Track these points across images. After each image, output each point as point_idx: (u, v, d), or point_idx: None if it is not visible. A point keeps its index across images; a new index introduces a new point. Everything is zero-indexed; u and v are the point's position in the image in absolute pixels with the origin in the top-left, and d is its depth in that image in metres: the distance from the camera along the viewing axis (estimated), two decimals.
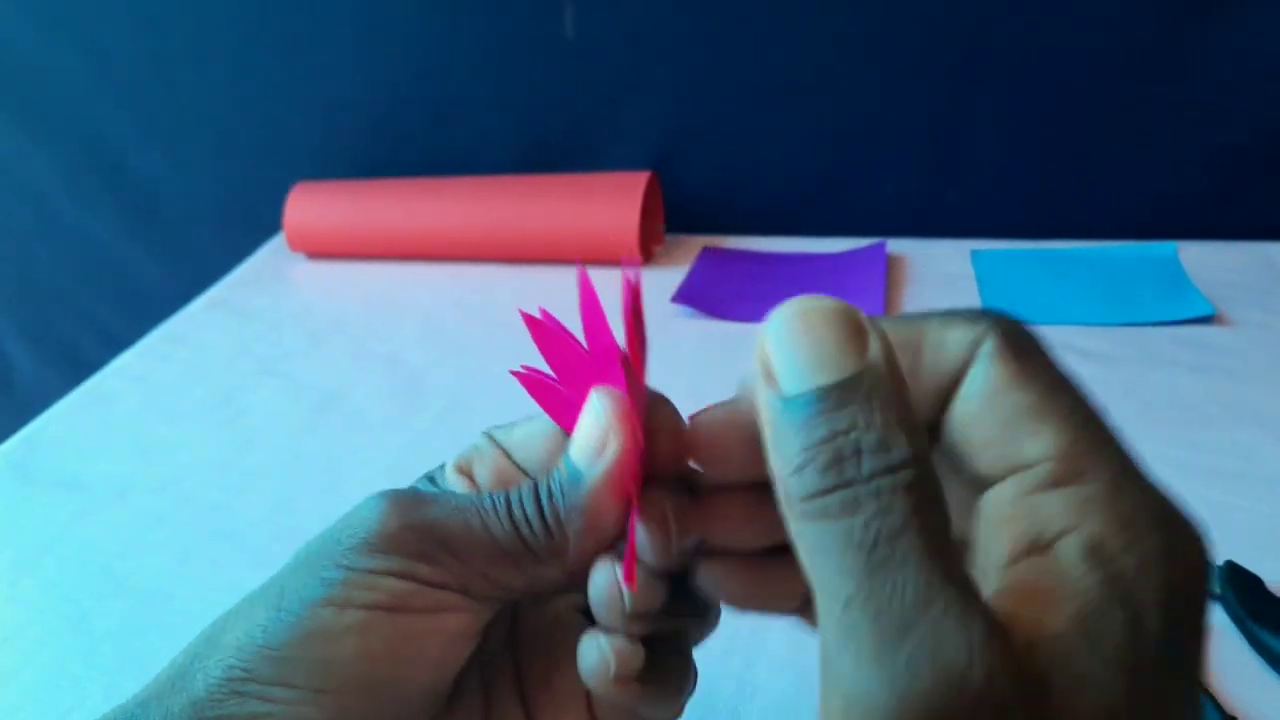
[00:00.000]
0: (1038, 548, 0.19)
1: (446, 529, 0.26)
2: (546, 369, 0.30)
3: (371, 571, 0.26)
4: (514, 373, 0.30)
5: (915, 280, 0.79)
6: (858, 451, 0.19)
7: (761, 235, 0.88)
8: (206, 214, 1.04)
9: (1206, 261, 0.77)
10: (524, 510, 0.27)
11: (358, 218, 0.88)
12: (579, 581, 0.27)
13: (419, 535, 0.26)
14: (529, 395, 0.30)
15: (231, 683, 0.25)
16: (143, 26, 0.95)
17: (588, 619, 0.28)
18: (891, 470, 0.19)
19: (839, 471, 0.19)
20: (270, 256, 0.93)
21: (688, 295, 0.77)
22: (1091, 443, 0.20)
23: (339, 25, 0.91)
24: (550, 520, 0.26)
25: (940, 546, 0.19)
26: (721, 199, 0.90)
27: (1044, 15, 0.78)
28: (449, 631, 0.27)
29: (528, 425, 0.31)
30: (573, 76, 0.89)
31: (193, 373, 0.73)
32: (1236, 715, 0.39)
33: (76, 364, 1.12)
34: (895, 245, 0.84)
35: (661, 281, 0.80)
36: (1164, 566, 0.19)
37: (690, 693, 0.29)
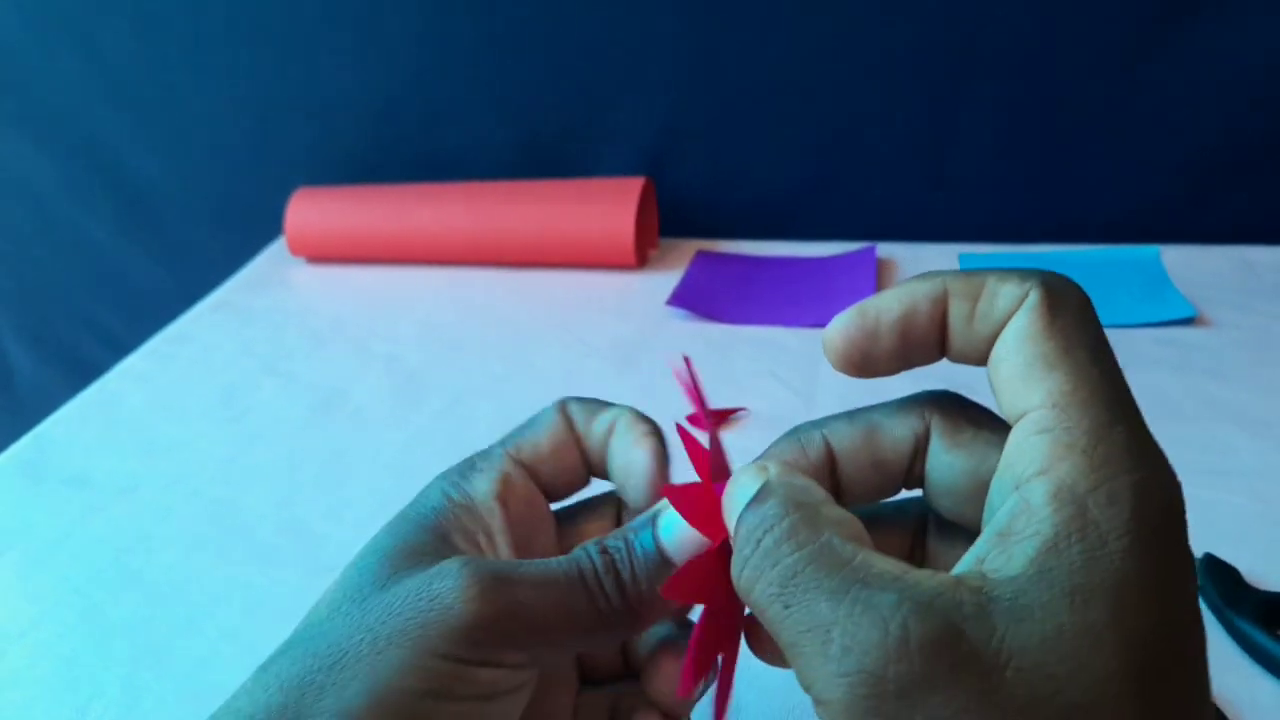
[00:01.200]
0: (1014, 494, 0.21)
1: (533, 613, 0.26)
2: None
3: (467, 662, 0.26)
4: (680, 426, 0.29)
5: None
6: (764, 524, 0.23)
7: (754, 239, 0.90)
8: (204, 217, 1.04)
9: (1187, 264, 0.79)
10: (604, 585, 0.27)
11: (357, 222, 0.89)
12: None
13: (509, 621, 0.26)
14: (686, 449, 0.29)
15: None
16: (143, 31, 0.96)
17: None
18: (780, 520, 0.23)
19: (755, 545, 0.23)
20: (271, 260, 0.94)
21: (682, 298, 0.78)
22: (1087, 392, 0.22)
23: (337, 32, 0.92)
24: (631, 596, 0.27)
25: (833, 557, 0.22)
26: (715, 203, 0.91)
27: (1029, 23, 0.79)
28: (521, 703, 0.28)
29: (545, 435, 0.32)
30: (568, 81, 0.90)
31: (197, 373, 0.74)
32: (1215, 700, 0.41)
33: (76, 365, 1.13)
34: (885, 249, 0.85)
35: (656, 284, 0.81)
36: (1133, 501, 0.20)
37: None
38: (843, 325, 0.26)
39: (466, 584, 0.26)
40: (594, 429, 0.32)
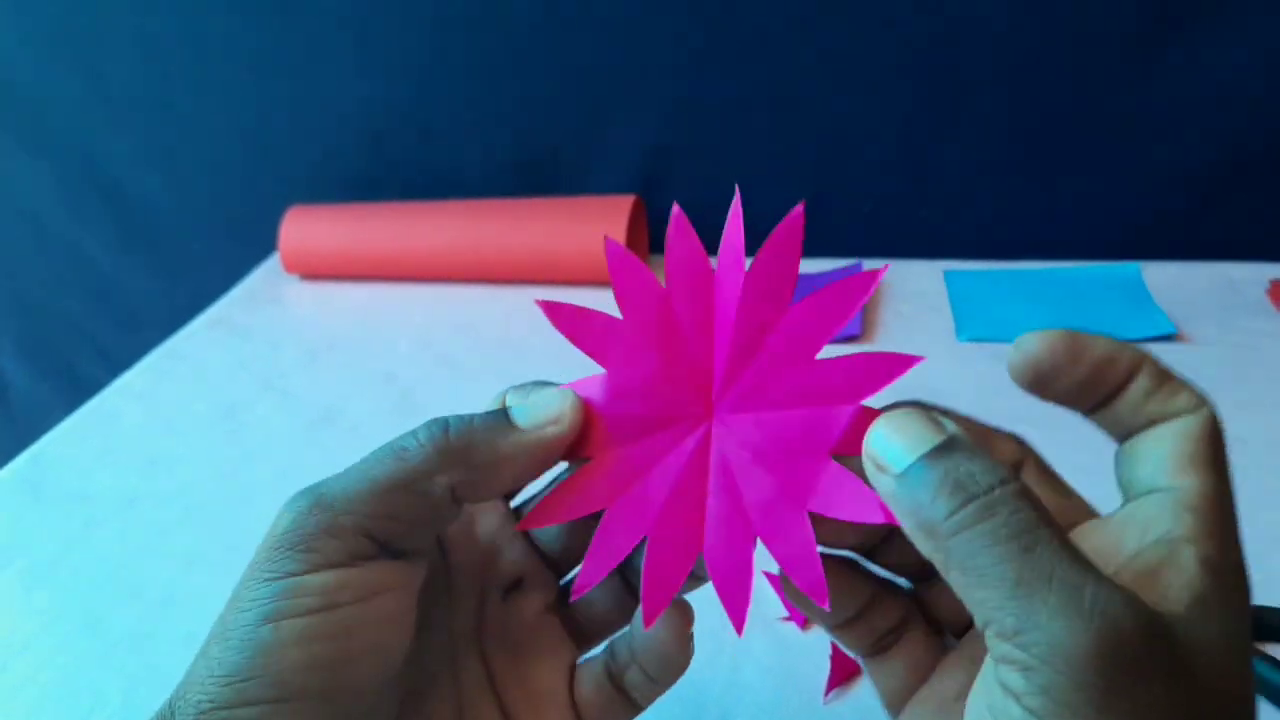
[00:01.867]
0: (1161, 543, 0.24)
1: (341, 495, 0.27)
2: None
3: (291, 575, 0.26)
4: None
5: (890, 299, 0.82)
6: (973, 476, 0.24)
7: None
8: (201, 234, 1.05)
9: (1169, 281, 0.80)
10: (419, 445, 0.28)
11: (350, 240, 0.91)
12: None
13: (317, 518, 0.27)
14: (613, 277, 0.31)
15: (202, 716, 0.26)
16: (142, 52, 0.97)
17: (559, 618, 0.33)
18: (1004, 483, 0.23)
19: (964, 491, 0.23)
20: (265, 277, 0.95)
21: None
22: (1228, 503, 0.25)
23: (333, 54, 0.93)
24: (446, 446, 0.28)
25: (1067, 538, 0.23)
26: (704, 220, 0.91)
27: (1012, 46, 0.80)
28: (385, 614, 0.28)
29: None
30: (560, 102, 0.91)
31: (194, 389, 0.75)
32: None
33: (72, 380, 1.14)
34: (871, 265, 0.86)
35: None
36: (1243, 588, 0.24)
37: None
38: (1050, 337, 0.27)
39: (285, 507, 0.28)
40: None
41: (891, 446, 0.25)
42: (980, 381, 0.68)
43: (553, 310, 0.31)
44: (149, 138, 1.02)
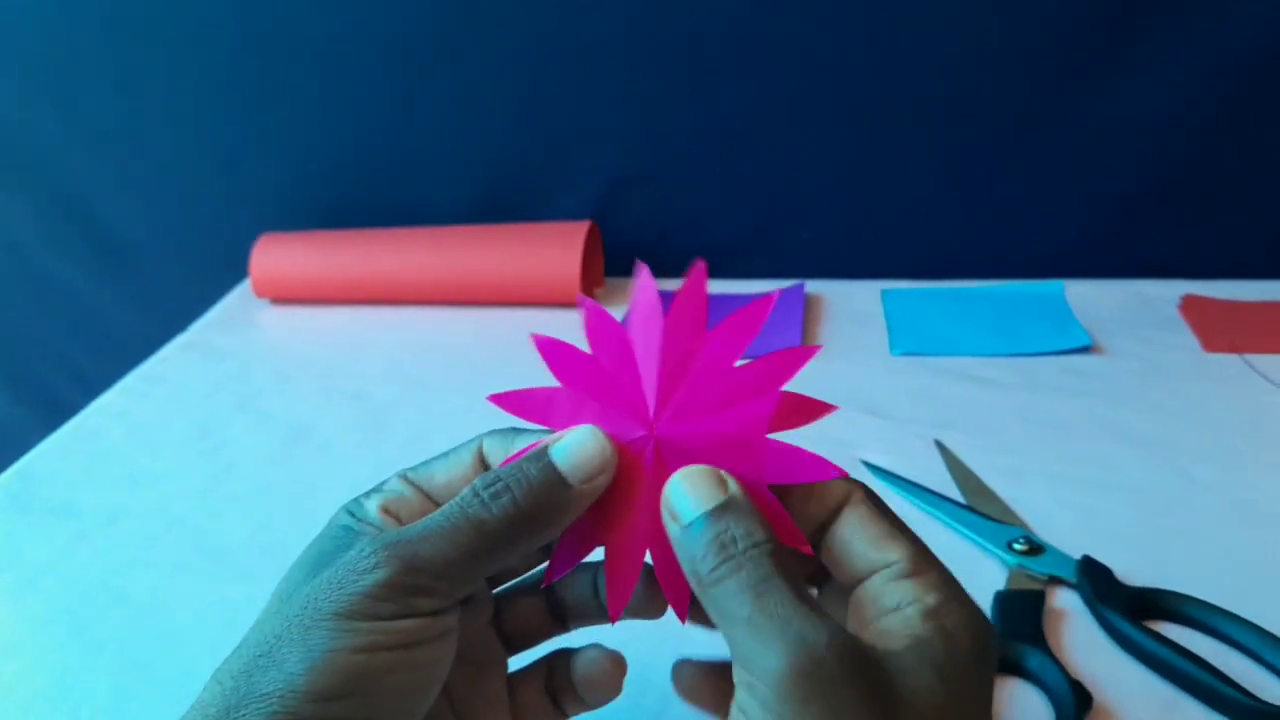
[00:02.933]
0: (891, 611, 0.30)
1: (432, 559, 0.31)
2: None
3: (388, 619, 0.30)
4: (536, 337, 0.36)
5: (831, 317, 0.87)
6: (734, 539, 0.30)
7: None
8: (175, 261, 1.07)
9: (1089, 297, 0.86)
10: (492, 511, 0.32)
11: (319, 265, 0.94)
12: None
13: (413, 574, 0.30)
14: (545, 360, 0.35)
15: None
16: (116, 85, 0.99)
17: (498, 632, 0.38)
18: (757, 545, 0.30)
19: (725, 551, 0.30)
20: (238, 302, 0.98)
21: None
22: (927, 555, 0.31)
23: (303, 85, 0.96)
24: (525, 512, 0.32)
25: (795, 584, 0.29)
26: (656, 245, 0.96)
27: (945, 80, 0.85)
28: (449, 651, 0.32)
29: (446, 466, 0.36)
30: (522, 134, 0.94)
31: (171, 409, 0.79)
32: (1082, 682, 0.47)
33: (50, 403, 1.16)
34: (813, 286, 0.91)
35: None
36: (976, 623, 0.30)
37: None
38: None
39: (372, 552, 0.30)
40: (510, 455, 0.36)
41: (682, 500, 0.31)
42: (910, 392, 0.74)
43: (499, 400, 0.36)
44: (123, 169, 1.04)
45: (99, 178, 1.05)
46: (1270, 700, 0.45)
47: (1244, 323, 0.80)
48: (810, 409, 0.33)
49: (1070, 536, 0.56)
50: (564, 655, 0.38)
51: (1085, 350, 0.78)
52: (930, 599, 0.29)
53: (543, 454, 0.33)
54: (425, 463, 0.37)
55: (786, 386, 0.32)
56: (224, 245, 1.02)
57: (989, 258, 0.91)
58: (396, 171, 0.99)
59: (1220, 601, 0.50)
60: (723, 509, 0.30)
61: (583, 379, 0.35)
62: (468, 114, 0.95)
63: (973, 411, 0.71)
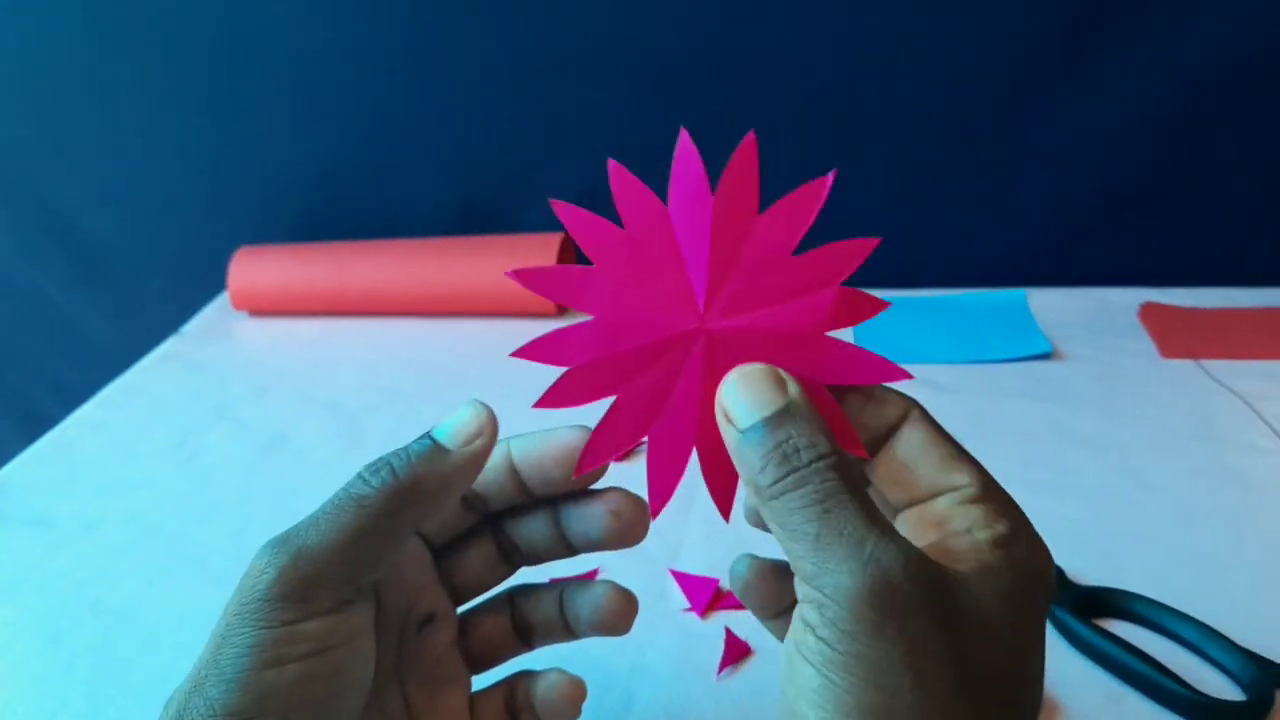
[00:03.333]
0: (961, 534, 0.30)
1: (321, 551, 0.30)
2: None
3: (288, 623, 0.29)
4: (556, 203, 0.33)
5: None
6: (797, 450, 0.28)
7: None
8: (153, 273, 1.08)
9: (1051, 305, 0.87)
10: (373, 486, 0.31)
11: (295, 278, 0.95)
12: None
13: (305, 570, 0.30)
14: (572, 233, 0.33)
15: None
16: (94, 98, 1.00)
17: (463, 651, 0.37)
18: (821, 457, 0.28)
19: (788, 463, 0.28)
20: (216, 314, 0.99)
21: None
22: (993, 482, 0.31)
23: (279, 100, 0.97)
24: (406, 487, 0.32)
25: (863, 501, 0.28)
26: None
27: (908, 91, 0.87)
28: (365, 651, 0.32)
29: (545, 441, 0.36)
30: (496, 148, 0.96)
31: (149, 420, 0.80)
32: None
33: (28, 414, 1.17)
34: None
35: None
36: (1041, 558, 0.30)
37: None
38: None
39: (265, 550, 0.31)
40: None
41: (739, 403, 0.30)
42: None
43: (523, 276, 0.32)
44: (102, 182, 1.04)
45: (77, 191, 1.06)
46: (1212, 694, 0.46)
47: (1201, 329, 0.82)
48: (868, 305, 0.32)
49: None
50: (525, 676, 0.39)
51: (1046, 357, 0.80)
52: (1001, 527, 0.29)
53: (425, 433, 0.33)
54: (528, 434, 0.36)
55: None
56: (201, 257, 1.03)
57: (954, 266, 0.93)
58: (372, 184, 1.00)
59: (1168, 599, 0.52)
60: (783, 414, 0.29)
61: (619, 258, 0.32)
62: (442, 127, 0.96)
63: (935, 418, 0.72)
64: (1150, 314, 0.85)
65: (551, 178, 0.97)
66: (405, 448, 0.32)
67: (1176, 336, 0.81)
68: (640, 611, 0.46)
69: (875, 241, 0.31)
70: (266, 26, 0.94)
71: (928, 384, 0.77)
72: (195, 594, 0.59)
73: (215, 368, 0.88)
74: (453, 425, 0.33)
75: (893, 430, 0.32)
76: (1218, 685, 0.48)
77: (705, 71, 0.89)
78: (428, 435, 0.33)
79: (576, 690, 0.38)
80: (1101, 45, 0.84)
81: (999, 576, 0.28)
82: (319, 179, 1.01)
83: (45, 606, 0.59)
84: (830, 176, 0.31)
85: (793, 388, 0.30)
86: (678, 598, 0.55)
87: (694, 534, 0.60)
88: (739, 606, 0.54)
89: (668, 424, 0.32)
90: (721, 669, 0.50)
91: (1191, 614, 0.51)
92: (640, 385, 0.32)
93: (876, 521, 0.28)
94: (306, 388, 0.83)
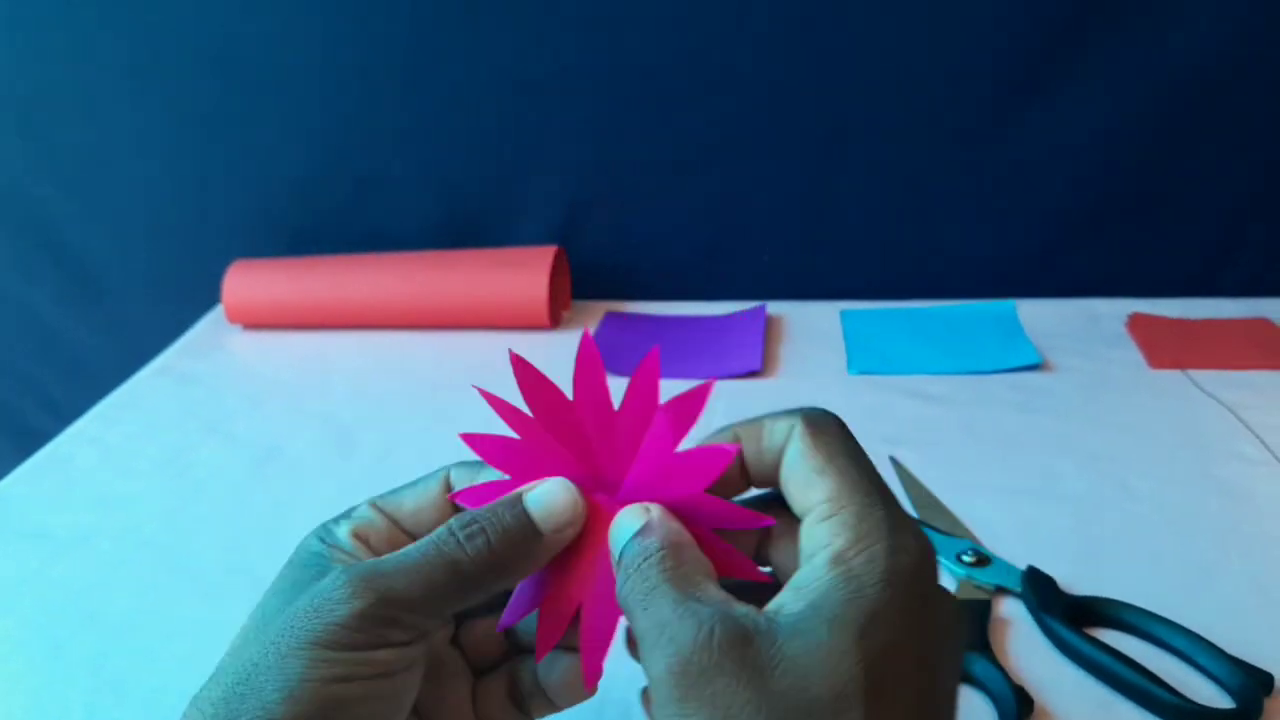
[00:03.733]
0: (806, 561, 0.30)
1: (405, 594, 0.32)
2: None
3: (362, 649, 0.31)
4: (482, 391, 0.37)
5: (791, 337, 0.89)
6: (634, 559, 0.31)
7: (658, 300, 0.98)
8: (144, 288, 1.08)
9: (1040, 315, 0.88)
10: (466, 551, 0.33)
11: (290, 291, 0.95)
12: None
13: (387, 607, 0.31)
14: (498, 414, 0.36)
15: None
16: (85, 114, 1.00)
17: (456, 643, 0.38)
18: (647, 558, 0.31)
19: (626, 571, 0.31)
20: (209, 327, 0.99)
21: None
22: (850, 487, 0.30)
23: (269, 115, 0.97)
24: (497, 555, 0.33)
25: (686, 580, 0.30)
26: (621, 268, 0.98)
27: (895, 105, 0.88)
28: (418, 676, 0.34)
29: (414, 495, 0.37)
30: (487, 160, 0.96)
31: (143, 434, 0.80)
32: (1024, 686, 0.48)
33: (20, 429, 1.16)
34: (774, 307, 0.93)
35: (569, 343, 0.87)
36: (886, 559, 0.29)
37: None
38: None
39: (346, 583, 0.31)
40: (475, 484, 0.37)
41: (615, 530, 0.33)
42: (867, 409, 0.76)
43: (471, 440, 0.36)
44: (93, 197, 1.04)
45: (68, 206, 1.06)
46: (1201, 701, 0.47)
47: (1188, 339, 0.83)
48: (690, 408, 0.34)
49: (1016, 547, 0.59)
50: (525, 660, 0.39)
51: (1035, 368, 0.80)
52: (839, 541, 0.29)
53: (517, 501, 0.34)
54: (394, 491, 0.38)
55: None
56: (193, 272, 1.03)
57: (944, 278, 0.94)
58: (363, 199, 1.00)
59: (1157, 608, 0.52)
60: (642, 531, 0.32)
61: (556, 426, 0.36)
62: (432, 142, 0.97)
63: (926, 428, 0.73)
64: (1138, 324, 0.86)
65: (540, 191, 0.98)
66: (499, 514, 0.34)
67: (1164, 347, 0.82)
68: None
69: (732, 451, 0.32)
70: (256, 43, 0.94)
71: (918, 395, 0.77)
72: (191, 605, 0.59)
73: (209, 381, 0.88)
74: (548, 506, 0.34)
75: (784, 449, 0.33)
76: (1206, 693, 0.48)
77: (690, 88, 0.90)
78: (521, 507, 0.34)
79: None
80: (1081, 59, 0.85)
81: (828, 599, 0.28)
82: (308, 194, 1.01)
83: (43, 618, 0.59)
84: (711, 384, 0.34)
85: (654, 510, 0.33)
86: None
87: None
88: None
89: (594, 596, 0.35)
90: None
91: (1180, 622, 0.51)
92: (561, 573, 0.35)
93: (688, 597, 0.29)
94: (300, 401, 0.83)
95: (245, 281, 0.96)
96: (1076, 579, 0.55)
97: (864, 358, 0.83)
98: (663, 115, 0.91)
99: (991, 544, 0.59)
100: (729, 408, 0.75)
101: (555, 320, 0.92)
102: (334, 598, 0.31)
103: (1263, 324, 0.85)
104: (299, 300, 0.95)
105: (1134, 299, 0.90)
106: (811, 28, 0.86)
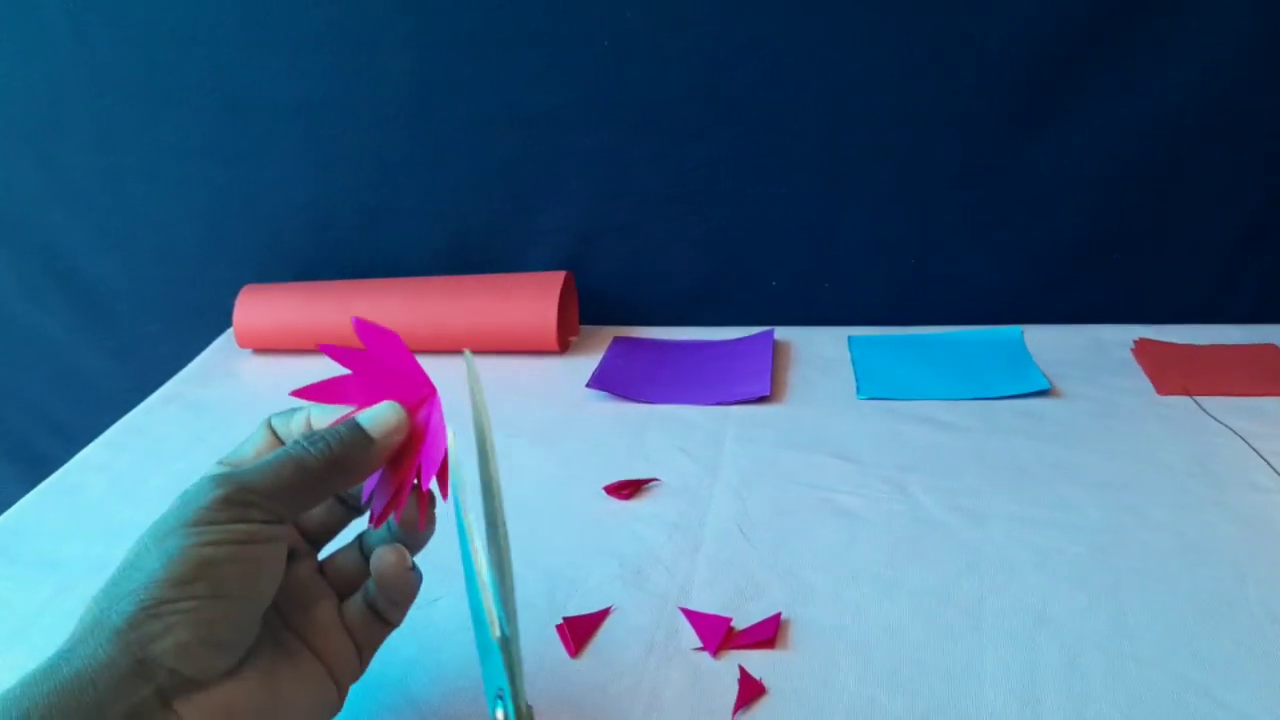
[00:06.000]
0: None
1: (259, 486, 0.40)
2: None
3: (224, 523, 0.38)
4: (323, 347, 0.46)
5: (799, 363, 0.89)
6: None
7: (665, 325, 0.98)
8: (155, 315, 1.08)
9: (1047, 342, 0.89)
10: (312, 453, 0.41)
11: (300, 316, 0.95)
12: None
13: (244, 497, 0.39)
14: (337, 361, 0.46)
15: (144, 610, 0.36)
16: (97, 142, 1.01)
17: (321, 573, 0.46)
18: None
19: None
20: (219, 353, 0.99)
21: (601, 380, 0.86)
22: None
23: (282, 144, 0.98)
24: (337, 458, 0.42)
25: None
26: (629, 294, 0.99)
27: (902, 135, 0.89)
28: (278, 554, 0.41)
29: (251, 444, 0.45)
30: (496, 189, 0.97)
31: (152, 461, 0.80)
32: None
33: (31, 456, 1.16)
34: (781, 332, 0.93)
35: (577, 368, 0.89)
36: None
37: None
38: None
39: (209, 480, 0.39)
40: (291, 429, 0.46)
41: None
42: (876, 435, 0.76)
43: (307, 391, 0.46)
44: (104, 224, 1.05)
45: (79, 233, 1.06)
46: None
47: (1195, 366, 0.83)
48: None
49: (1027, 576, 0.59)
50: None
51: (1043, 394, 0.81)
52: None
53: (353, 420, 0.43)
54: (234, 450, 0.45)
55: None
56: (203, 299, 1.03)
57: (949, 304, 0.94)
58: (372, 228, 1.01)
59: (1169, 639, 0.53)
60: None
61: (370, 367, 0.46)
62: (441, 171, 0.97)
63: (935, 455, 0.73)
64: (1144, 351, 0.86)
65: (548, 219, 0.98)
66: (338, 429, 0.43)
67: (1171, 374, 0.82)
68: (651, 650, 0.55)
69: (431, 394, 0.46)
70: (266, 75, 0.95)
71: (929, 421, 0.77)
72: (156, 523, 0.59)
73: (218, 407, 0.88)
74: (378, 419, 0.44)
75: None
76: None
77: (695, 118, 0.91)
78: (355, 421, 0.43)
79: (400, 557, 0.45)
80: (1084, 93, 0.85)
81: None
82: (319, 223, 1.01)
83: (54, 648, 0.58)
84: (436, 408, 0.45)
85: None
86: (689, 637, 0.56)
87: (704, 573, 0.61)
88: (752, 646, 0.54)
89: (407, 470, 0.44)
90: (737, 710, 0.50)
91: (1193, 654, 0.51)
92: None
93: None
94: None
95: (256, 306, 0.96)
96: (1087, 607, 0.56)
97: (873, 384, 0.83)
98: (671, 146, 0.92)
99: (1002, 572, 0.59)
100: (739, 433, 0.76)
101: (564, 346, 0.93)
102: (201, 490, 0.39)
103: (1270, 350, 0.85)
104: (309, 325, 0.95)
105: (1139, 325, 0.91)
106: (818, 60, 0.87)
